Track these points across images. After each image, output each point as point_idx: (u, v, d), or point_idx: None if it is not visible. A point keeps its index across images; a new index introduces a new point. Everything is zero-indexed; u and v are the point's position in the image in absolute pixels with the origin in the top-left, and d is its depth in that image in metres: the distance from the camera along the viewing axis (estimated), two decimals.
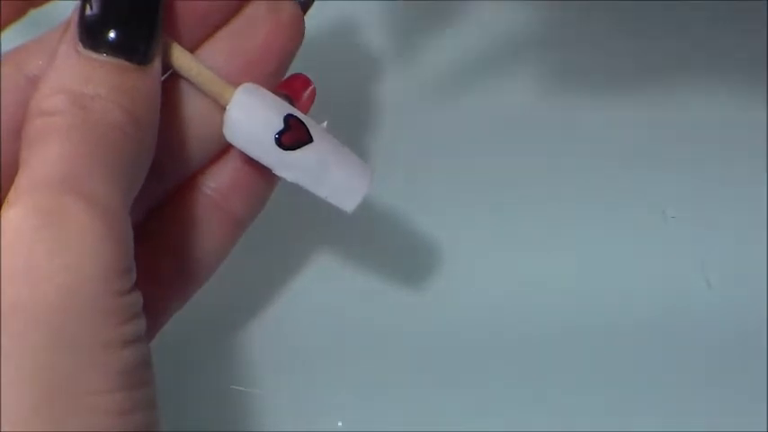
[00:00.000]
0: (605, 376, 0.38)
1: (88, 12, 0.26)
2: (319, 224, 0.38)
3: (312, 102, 0.31)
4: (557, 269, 0.39)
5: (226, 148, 0.31)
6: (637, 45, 0.42)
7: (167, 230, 0.31)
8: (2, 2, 0.28)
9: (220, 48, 0.30)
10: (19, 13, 0.29)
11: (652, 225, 0.40)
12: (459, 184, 0.40)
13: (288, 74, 0.31)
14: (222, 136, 0.29)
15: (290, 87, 0.31)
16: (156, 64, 0.27)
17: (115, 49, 0.26)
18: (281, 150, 0.29)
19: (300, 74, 0.32)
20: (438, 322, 0.38)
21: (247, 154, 0.29)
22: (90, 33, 0.26)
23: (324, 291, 0.38)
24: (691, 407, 0.37)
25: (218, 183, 0.31)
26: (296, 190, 0.30)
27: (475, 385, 0.37)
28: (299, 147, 0.29)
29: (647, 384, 0.38)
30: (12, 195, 0.25)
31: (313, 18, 0.32)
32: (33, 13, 0.29)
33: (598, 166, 0.40)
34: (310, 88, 0.31)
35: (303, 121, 0.29)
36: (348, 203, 0.30)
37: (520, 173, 0.40)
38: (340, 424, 0.37)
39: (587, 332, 0.38)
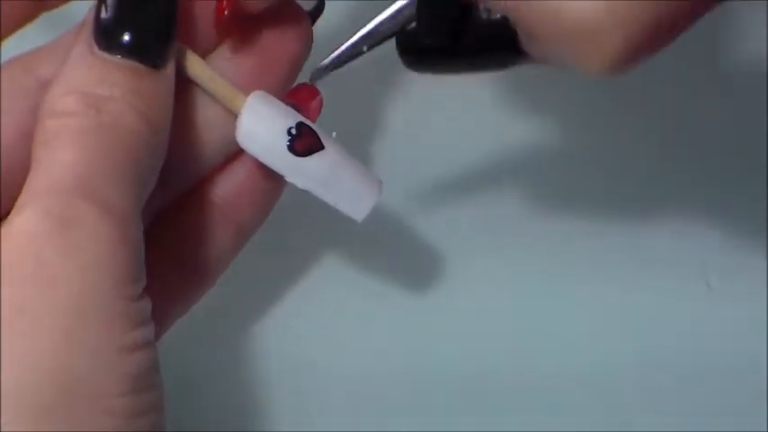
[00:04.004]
0: (604, 376, 0.38)
1: (103, 14, 0.26)
2: (323, 227, 0.38)
3: (319, 111, 0.31)
4: (556, 270, 0.39)
5: (233, 155, 0.31)
6: None
7: (171, 237, 0.31)
8: (13, 4, 0.28)
9: (230, 55, 0.30)
10: (30, 15, 0.29)
11: (652, 226, 0.40)
12: (462, 188, 0.40)
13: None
14: (230, 143, 0.29)
15: (296, 97, 0.31)
16: (170, 68, 0.27)
17: (130, 51, 0.26)
18: (293, 156, 0.29)
19: (307, 83, 0.32)
20: (440, 325, 0.38)
21: (259, 160, 0.29)
22: (105, 35, 0.26)
23: (326, 293, 0.38)
24: (691, 407, 0.38)
25: (224, 190, 0.31)
26: (301, 193, 0.30)
27: (475, 386, 0.38)
28: (310, 154, 0.29)
29: (646, 384, 0.38)
30: (23, 197, 0.25)
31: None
32: (45, 17, 0.29)
33: (598, 168, 0.40)
34: (317, 98, 0.31)
35: (314, 129, 0.30)
36: (358, 212, 0.30)
37: (525, 180, 0.40)
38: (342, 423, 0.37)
39: (586, 332, 0.38)
